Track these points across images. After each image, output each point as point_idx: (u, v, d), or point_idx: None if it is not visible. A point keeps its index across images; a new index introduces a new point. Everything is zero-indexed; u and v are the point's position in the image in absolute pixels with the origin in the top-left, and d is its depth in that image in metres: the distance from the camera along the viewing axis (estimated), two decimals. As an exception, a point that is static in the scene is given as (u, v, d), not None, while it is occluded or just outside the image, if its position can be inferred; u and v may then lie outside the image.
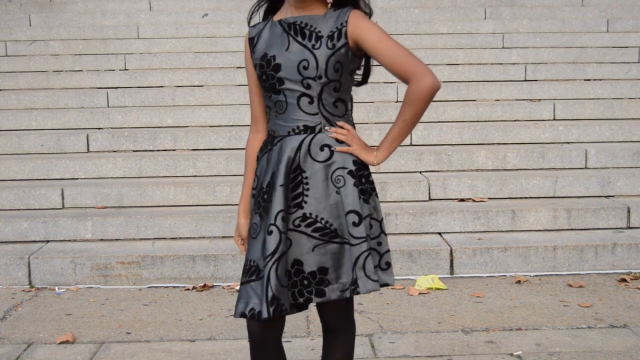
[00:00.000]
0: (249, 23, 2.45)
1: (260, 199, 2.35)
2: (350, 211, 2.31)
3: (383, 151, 2.43)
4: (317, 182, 2.31)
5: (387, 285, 2.39)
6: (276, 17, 2.39)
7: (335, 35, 2.30)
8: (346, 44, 2.30)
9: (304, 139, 2.32)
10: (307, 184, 2.31)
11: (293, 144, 2.32)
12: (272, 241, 2.26)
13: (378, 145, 2.44)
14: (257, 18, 2.45)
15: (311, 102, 2.31)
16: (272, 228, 2.26)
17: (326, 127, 2.34)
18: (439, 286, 4.57)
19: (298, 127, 2.32)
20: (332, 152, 2.33)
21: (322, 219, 2.31)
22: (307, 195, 2.31)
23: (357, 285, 2.31)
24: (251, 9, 2.45)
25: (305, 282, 2.31)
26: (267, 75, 2.32)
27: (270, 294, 2.23)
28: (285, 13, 2.37)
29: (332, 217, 2.31)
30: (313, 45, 2.29)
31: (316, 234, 2.31)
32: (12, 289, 4.67)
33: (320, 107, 2.32)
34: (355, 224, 2.31)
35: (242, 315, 2.30)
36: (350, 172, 2.33)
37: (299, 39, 2.31)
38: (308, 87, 2.30)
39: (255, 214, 2.35)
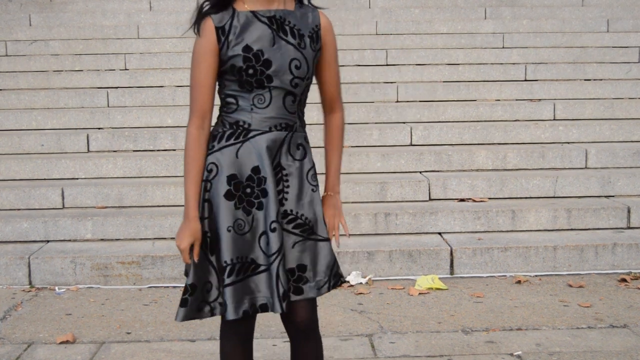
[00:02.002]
0: (202, 12, 2.30)
1: (241, 193, 2.30)
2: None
3: (338, 187, 2.54)
4: (295, 179, 2.36)
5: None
6: (241, 7, 2.30)
7: (314, 37, 2.36)
8: (320, 47, 2.38)
9: (285, 136, 2.34)
10: (287, 181, 2.35)
11: (275, 141, 2.32)
12: (277, 238, 2.29)
13: (327, 183, 2.51)
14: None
15: (294, 102, 2.35)
16: (275, 225, 2.29)
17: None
18: (439, 286, 4.57)
19: (280, 125, 2.33)
20: (305, 151, 2.39)
21: (302, 215, 2.36)
22: (287, 192, 2.35)
23: (339, 276, 2.44)
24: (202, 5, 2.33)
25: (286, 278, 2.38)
26: (256, 70, 2.27)
27: (282, 290, 2.28)
28: (254, 4, 2.31)
29: (309, 213, 2.38)
30: (299, 44, 2.31)
31: (297, 230, 2.36)
32: (12, 288, 4.67)
33: (298, 107, 2.38)
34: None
35: (245, 313, 2.31)
36: (315, 172, 2.42)
37: (282, 35, 2.30)
38: (295, 86, 2.32)
39: (237, 210, 2.30)
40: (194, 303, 2.35)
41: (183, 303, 2.35)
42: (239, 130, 2.31)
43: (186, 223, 2.31)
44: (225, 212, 2.29)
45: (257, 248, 2.30)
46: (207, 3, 2.32)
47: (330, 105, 2.46)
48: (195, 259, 2.32)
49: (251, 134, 2.31)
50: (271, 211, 2.29)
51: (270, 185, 2.30)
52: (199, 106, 2.32)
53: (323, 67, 2.40)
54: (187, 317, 2.36)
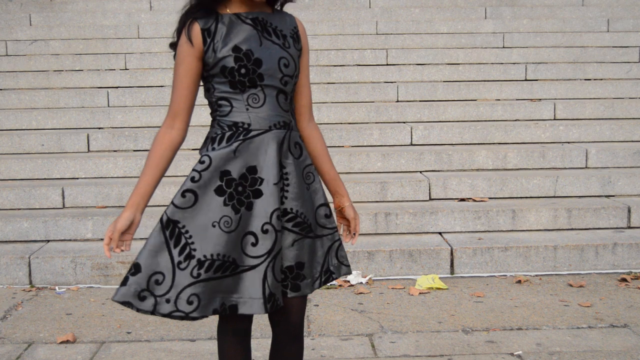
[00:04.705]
0: (185, 18, 2.35)
1: (232, 191, 2.28)
2: (321, 205, 2.43)
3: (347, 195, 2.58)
4: (294, 178, 2.36)
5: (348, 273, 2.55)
6: (223, 11, 2.33)
7: (295, 37, 2.40)
8: (301, 48, 2.41)
9: (284, 135, 2.35)
10: (287, 179, 2.35)
11: (277, 139, 2.32)
12: (268, 240, 2.28)
13: (343, 194, 2.53)
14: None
15: (286, 100, 2.36)
16: (268, 227, 2.28)
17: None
18: (440, 286, 4.57)
19: (279, 123, 2.34)
20: (302, 149, 2.41)
21: (301, 213, 2.37)
22: (287, 191, 2.35)
23: (331, 272, 2.46)
24: (187, 10, 2.36)
25: (282, 276, 2.37)
26: (248, 70, 2.28)
27: (267, 292, 2.27)
28: (237, 8, 2.33)
29: (308, 212, 2.39)
30: (284, 44, 2.35)
31: (296, 229, 2.36)
32: (12, 288, 4.67)
33: (290, 106, 2.40)
34: (327, 216, 2.44)
35: (215, 312, 2.28)
36: (314, 169, 2.44)
37: (266, 35, 2.33)
38: (285, 84, 2.34)
39: (226, 206, 2.27)
40: (134, 286, 2.23)
41: (124, 281, 2.24)
42: (240, 131, 2.31)
43: (119, 216, 2.33)
44: (213, 207, 2.26)
45: (239, 248, 2.28)
46: (191, 9, 2.34)
47: (309, 111, 2.47)
48: (108, 253, 2.28)
49: (252, 134, 2.30)
50: (265, 212, 2.28)
51: (269, 187, 2.29)
52: (173, 106, 2.34)
53: (301, 72, 2.42)
54: (125, 297, 2.23)
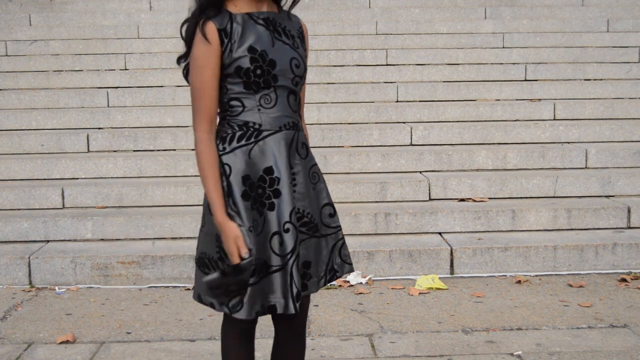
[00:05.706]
0: (196, 19, 2.28)
1: (254, 194, 2.29)
2: (326, 204, 2.45)
3: None
4: (301, 178, 2.38)
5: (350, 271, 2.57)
6: (233, 10, 2.29)
7: (301, 38, 2.40)
8: (306, 49, 2.43)
9: (293, 136, 2.36)
10: (294, 179, 2.36)
11: (286, 140, 2.33)
12: (291, 239, 2.29)
13: None
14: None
15: (295, 100, 2.37)
16: (289, 226, 2.29)
17: None
18: (439, 286, 4.57)
19: (289, 124, 2.34)
20: (307, 150, 2.42)
21: (308, 213, 2.38)
22: (294, 191, 2.36)
23: (335, 271, 2.47)
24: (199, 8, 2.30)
25: None
26: (263, 71, 2.27)
27: (295, 290, 2.28)
28: (246, 7, 2.31)
29: (314, 211, 2.40)
30: (293, 44, 2.35)
31: (303, 229, 2.37)
32: (12, 288, 4.67)
33: (298, 106, 2.40)
34: (331, 215, 2.46)
35: (257, 314, 2.30)
36: (318, 169, 2.46)
37: (277, 35, 2.33)
38: (296, 85, 2.35)
39: (252, 210, 2.29)
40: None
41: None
42: (250, 131, 2.30)
43: (222, 232, 2.26)
44: (245, 213, 2.28)
45: (269, 249, 2.29)
46: (201, 8, 2.28)
47: (302, 112, 2.48)
48: (244, 251, 2.24)
49: (263, 134, 2.30)
50: (285, 211, 2.29)
51: (284, 186, 2.30)
52: (207, 110, 2.29)
53: None
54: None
